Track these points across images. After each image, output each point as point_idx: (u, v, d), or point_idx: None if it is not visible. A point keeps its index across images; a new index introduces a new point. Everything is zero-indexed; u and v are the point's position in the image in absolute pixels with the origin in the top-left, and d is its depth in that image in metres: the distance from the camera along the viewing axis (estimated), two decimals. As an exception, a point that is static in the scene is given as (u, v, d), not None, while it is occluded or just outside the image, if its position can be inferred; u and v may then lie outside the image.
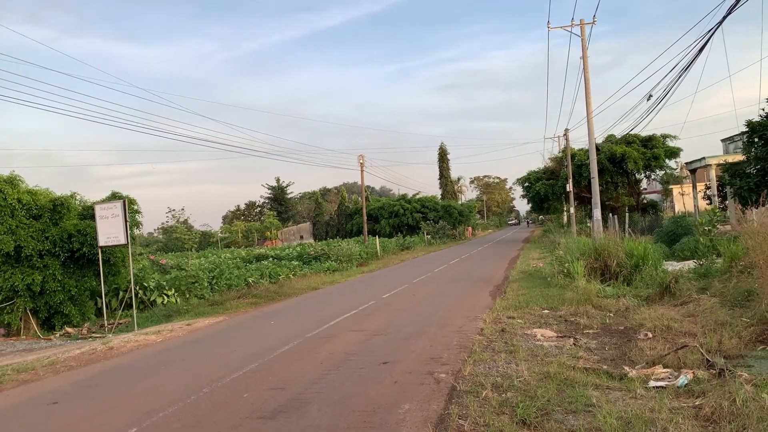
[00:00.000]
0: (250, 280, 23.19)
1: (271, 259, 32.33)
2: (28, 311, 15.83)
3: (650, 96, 20.23)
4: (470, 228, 71.04)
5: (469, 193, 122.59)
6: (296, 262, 30.51)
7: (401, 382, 7.69)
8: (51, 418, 7.30)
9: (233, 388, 7.95)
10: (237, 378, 8.53)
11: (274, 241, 64.53)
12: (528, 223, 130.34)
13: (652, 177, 48.97)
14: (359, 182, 50.43)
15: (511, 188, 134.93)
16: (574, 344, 9.42)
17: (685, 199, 51.02)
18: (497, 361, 8.42)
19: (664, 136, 42.24)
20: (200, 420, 6.62)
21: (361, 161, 47.54)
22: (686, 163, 41.94)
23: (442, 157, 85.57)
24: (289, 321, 14.32)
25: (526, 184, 50.88)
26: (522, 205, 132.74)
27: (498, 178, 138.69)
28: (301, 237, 69.37)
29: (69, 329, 15.85)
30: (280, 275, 25.20)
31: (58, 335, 15.52)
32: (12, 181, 15.98)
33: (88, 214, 16.90)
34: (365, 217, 49.56)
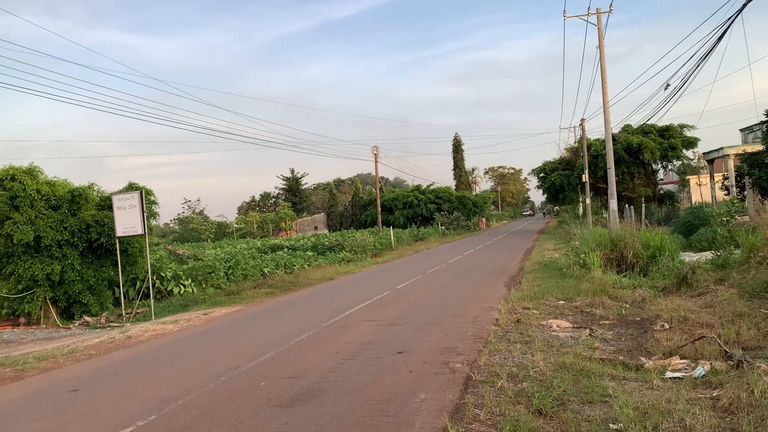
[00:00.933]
0: (265, 270, 23.32)
1: (286, 249, 32.49)
2: (48, 300, 16.04)
3: (668, 85, 20.04)
4: (483, 219, 70.78)
5: (483, 184, 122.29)
6: (311, 253, 30.63)
7: (416, 372, 7.72)
8: (72, 405, 7.42)
9: (250, 377, 8.03)
10: (254, 367, 8.61)
11: (288, 232, 64.76)
12: (543, 213, 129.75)
13: (669, 167, 48.49)
14: (373, 173, 50.49)
15: (526, 179, 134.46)
16: (590, 335, 9.40)
17: (702, 190, 50.48)
18: (513, 352, 8.43)
19: (682, 126, 41.78)
20: (218, 408, 6.70)
21: (375, 152, 47.53)
22: (704, 154, 41.48)
23: (457, 147, 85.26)
24: (305, 311, 14.41)
25: (542, 174, 50.56)
26: (537, 196, 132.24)
27: (513, 168, 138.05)
28: (316, 228, 69.55)
29: (87, 318, 16.06)
30: (295, 265, 25.32)
31: (77, 324, 15.73)
32: (31, 172, 16.16)
33: (105, 204, 17.06)
34: (379, 208, 49.60)
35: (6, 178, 15.56)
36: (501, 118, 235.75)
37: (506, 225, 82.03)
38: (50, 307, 16.14)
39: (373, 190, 64.35)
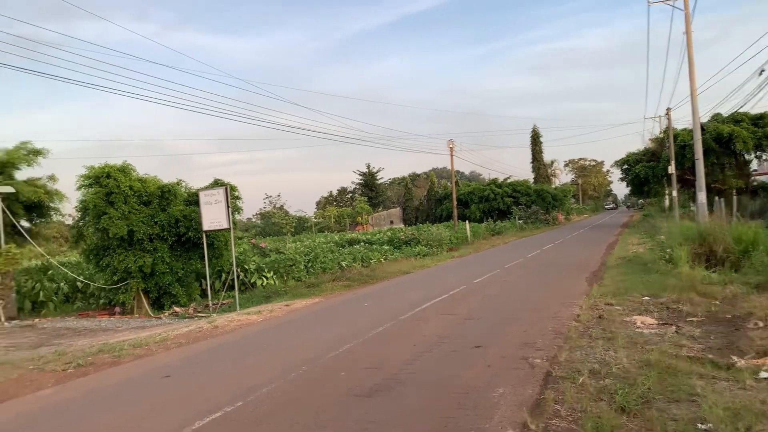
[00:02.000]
0: (343, 263, 23.73)
1: (362, 243, 32.88)
2: (140, 291, 16.98)
3: (762, 71, 18.89)
4: (560, 213, 68.88)
5: (563, 177, 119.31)
6: (387, 247, 30.86)
7: (495, 366, 7.69)
8: (165, 391, 7.86)
9: (330, 367, 8.23)
10: (334, 357, 8.82)
11: (365, 226, 65.40)
12: (627, 207, 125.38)
13: (764, 157, 45.66)
14: (449, 167, 50.22)
15: (608, 171, 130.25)
16: (677, 332, 9.06)
17: (802, 181, 47.22)
18: (594, 348, 8.24)
19: (778, 113, 39.22)
20: (301, 396, 6.92)
21: (451, 146, 47.28)
22: (804, 142, 38.81)
23: (535, 140, 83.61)
24: (382, 304, 14.57)
25: (625, 166, 48.77)
26: (620, 189, 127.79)
27: (594, 160, 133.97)
28: (391, 222, 69.94)
29: (177, 308, 16.88)
30: (371, 259, 25.61)
31: (167, 314, 16.55)
32: (124, 170, 17.13)
33: (192, 200, 17.84)
34: (455, 202, 49.32)
35: (102, 176, 16.57)
36: (581, 108, 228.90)
37: (587, 219, 79.69)
38: (142, 297, 17.07)
39: (449, 184, 64.02)
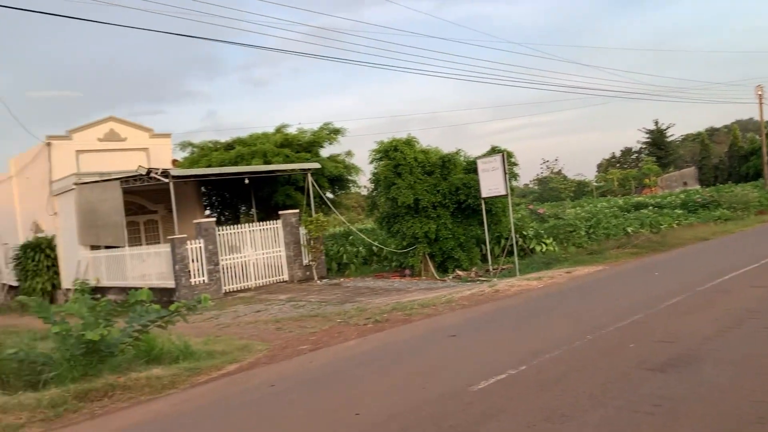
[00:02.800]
0: (629, 229, 22.32)
1: (650, 207, 30.45)
2: (426, 255, 18.14)
3: None
4: None
5: None
6: (680, 211, 28.16)
7: (823, 348, 6.52)
8: (451, 349, 8.30)
9: (618, 337, 7.82)
10: (621, 327, 8.34)
11: (653, 189, 60.44)
12: None
13: None
14: (756, 117, 43.56)
15: None
16: None
17: None
18: None
19: None
20: (586, 365, 6.70)
21: (759, 92, 40.86)
22: None
23: None
24: (675, 273, 13.40)
25: None
26: None
27: None
28: (685, 183, 63.31)
29: (459, 272, 17.66)
30: (662, 225, 23.63)
31: (450, 277, 17.43)
32: (409, 143, 18.42)
33: (470, 168, 18.36)
34: (765, 158, 42.63)
35: (390, 150, 18.04)
36: None
37: None
38: (428, 261, 18.22)
39: (756, 137, 55.46)
